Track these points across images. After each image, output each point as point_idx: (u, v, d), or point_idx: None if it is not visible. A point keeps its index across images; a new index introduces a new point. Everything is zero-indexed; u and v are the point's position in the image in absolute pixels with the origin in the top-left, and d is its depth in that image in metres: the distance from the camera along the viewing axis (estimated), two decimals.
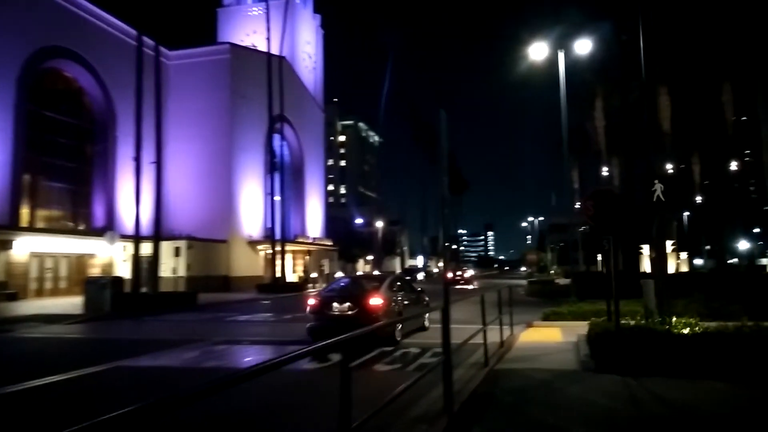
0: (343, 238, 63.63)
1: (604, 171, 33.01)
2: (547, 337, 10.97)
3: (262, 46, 43.08)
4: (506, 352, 9.11)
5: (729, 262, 39.10)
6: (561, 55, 21.00)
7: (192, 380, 7.79)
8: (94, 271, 31.58)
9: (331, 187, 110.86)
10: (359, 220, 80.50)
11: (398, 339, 10.66)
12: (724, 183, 32.02)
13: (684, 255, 50.88)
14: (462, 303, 18.36)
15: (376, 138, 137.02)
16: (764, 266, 44.93)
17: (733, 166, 33.82)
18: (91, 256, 32.56)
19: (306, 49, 60.47)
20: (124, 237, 26.71)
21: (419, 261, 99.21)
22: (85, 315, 17.98)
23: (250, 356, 10.40)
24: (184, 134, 40.18)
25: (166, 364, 9.36)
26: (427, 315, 12.61)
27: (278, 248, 35.81)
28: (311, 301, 11.31)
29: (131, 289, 21.65)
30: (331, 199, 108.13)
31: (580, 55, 25.23)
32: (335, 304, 10.89)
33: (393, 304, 11.35)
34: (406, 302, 11.98)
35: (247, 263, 41.19)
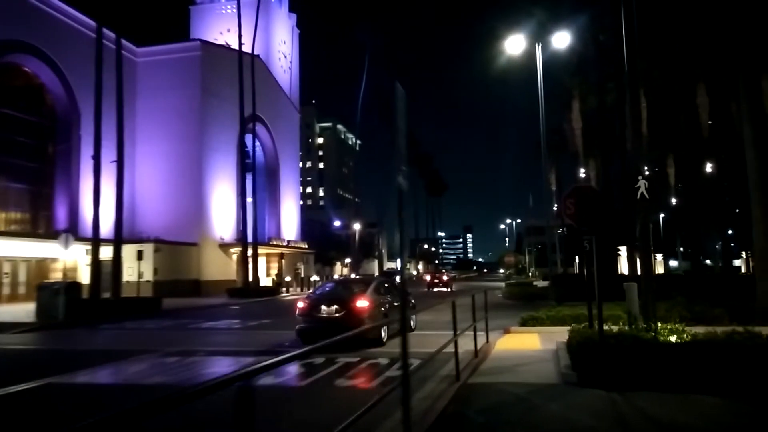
0: (320, 241, 62.57)
1: (582, 173, 32.82)
2: (525, 344, 10.37)
3: (236, 45, 41.95)
4: (481, 362, 8.44)
5: (704, 263, 39.28)
6: (538, 50, 20.55)
7: (130, 400, 6.92)
8: (56, 276, 30.04)
9: (308, 190, 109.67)
10: (337, 223, 79.45)
11: (384, 340, 10.91)
12: (699, 185, 32.05)
13: (659, 257, 51.22)
14: (439, 306, 17.68)
15: (355, 140, 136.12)
16: (739, 267, 45.37)
17: (708, 168, 33.91)
18: (54, 260, 31.03)
19: (281, 48, 59.38)
20: (85, 239, 25.41)
21: (398, 263, 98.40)
22: (35, 323, 16.79)
23: (202, 370, 9.50)
24: (153, 133, 38.80)
25: (106, 380, 8.45)
26: (413, 316, 13.20)
27: (251, 251, 34.70)
28: (300, 304, 11.70)
29: (90, 295, 20.47)
30: (308, 202, 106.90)
31: (557, 55, 24.90)
32: (323, 307, 11.27)
33: (379, 306, 11.67)
34: (392, 304, 12.16)
35: (219, 267, 39.92)
